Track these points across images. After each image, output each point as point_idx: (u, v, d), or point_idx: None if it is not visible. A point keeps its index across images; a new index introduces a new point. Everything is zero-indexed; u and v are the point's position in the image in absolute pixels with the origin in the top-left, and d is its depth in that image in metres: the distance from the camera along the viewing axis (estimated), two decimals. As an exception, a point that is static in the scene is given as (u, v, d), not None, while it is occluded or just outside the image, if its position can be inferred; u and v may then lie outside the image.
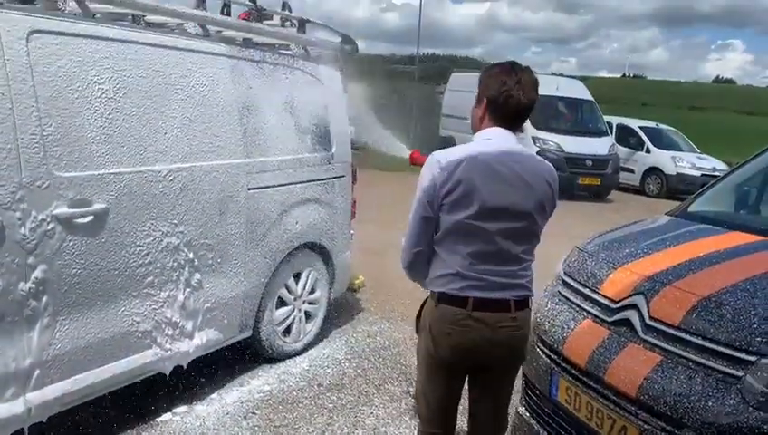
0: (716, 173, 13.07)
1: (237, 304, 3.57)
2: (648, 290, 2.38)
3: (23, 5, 2.57)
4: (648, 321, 2.29)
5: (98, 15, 2.92)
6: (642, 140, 15.62)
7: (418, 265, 2.21)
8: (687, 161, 14.98)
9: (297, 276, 4.11)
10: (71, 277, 2.64)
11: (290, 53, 4.07)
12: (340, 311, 4.96)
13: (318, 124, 4.15)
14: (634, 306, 2.37)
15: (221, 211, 3.36)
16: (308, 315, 4.25)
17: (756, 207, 3.43)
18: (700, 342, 2.11)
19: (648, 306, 2.32)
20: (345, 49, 4.41)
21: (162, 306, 3.08)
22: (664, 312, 2.27)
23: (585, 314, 2.58)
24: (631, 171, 15.35)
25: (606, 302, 2.51)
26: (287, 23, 4.12)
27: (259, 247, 3.66)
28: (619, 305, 2.44)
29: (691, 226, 3.04)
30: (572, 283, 2.77)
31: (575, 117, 14.37)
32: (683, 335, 2.16)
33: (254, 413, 3.39)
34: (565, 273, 2.87)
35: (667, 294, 2.32)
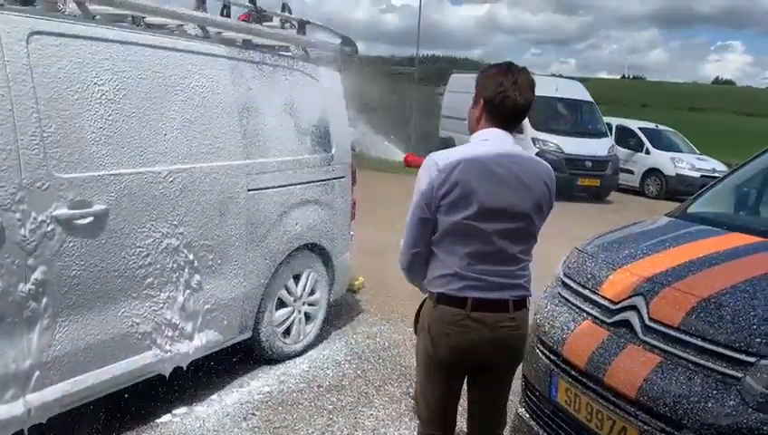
0: (716, 174, 13.08)
1: (237, 305, 3.57)
2: (647, 291, 2.39)
3: (23, 7, 2.57)
4: (647, 322, 2.29)
5: (98, 17, 2.92)
6: (642, 141, 15.62)
7: (417, 266, 2.22)
8: (687, 162, 14.98)
9: (297, 278, 4.11)
10: (70, 279, 2.64)
11: (290, 54, 4.07)
12: (340, 312, 4.96)
13: (318, 125, 4.15)
14: (633, 307, 2.37)
15: (221, 212, 3.36)
16: (308, 317, 4.25)
17: (756, 208, 3.43)
18: (700, 343, 2.11)
19: (647, 307, 2.33)
20: (345, 50, 4.42)
21: (162, 307, 3.08)
22: (663, 313, 2.27)
23: (585, 315, 2.58)
24: (631, 172, 15.35)
25: (605, 303, 2.51)
26: (287, 24, 4.12)
27: (259, 249, 3.66)
28: (618, 307, 2.44)
29: (691, 227, 3.05)
30: (572, 284, 2.77)
31: (575, 118, 14.37)
32: (682, 336, 2.16)
33: (253, 414, 3.39)
34: (565, 274, 2.87)
35: (667, 295, 2.32)
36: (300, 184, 3.97)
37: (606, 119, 15.04)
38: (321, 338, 4.42)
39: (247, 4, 3.90)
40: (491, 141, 2.12)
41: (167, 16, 3.22)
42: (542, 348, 2.68)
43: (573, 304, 2.68)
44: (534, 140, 12.71)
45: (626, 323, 2.37)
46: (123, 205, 2.83)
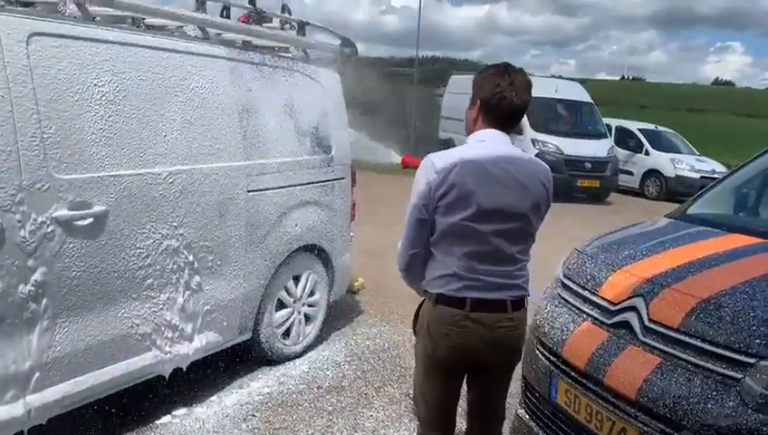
0: (715, 175, 13.08)
1: (237, 306, 3.57)
2: (647, 292, 2.39)
3: (23, 8, 2.58)
4: (647, 323, 2.30)
5: (98, 18, 2.92)
6: (641, 142, 15.63)
7: (415, 267, 2.22)
8: (686, 164, 14.99)
9: (297, 279, 4.11)
10: (70, 280, 2.64)
11: (289, 55, 4.07)
12: (340, 313, 4.96)
13: (317, 126, 4.15)
14: (633, 308, 2.38)
15: (221, 213, 3.36)
16: (307, 318, 4.25)
17: (755, 209, 3.43)
18: (699, 344, 2.11)
19: (647, 308, 2.33)
20: (345, 51, 4.42)
21: (162, 309, 3.08)
22: (663, 314, 2.27)
23: (584, 316, 2.58)
24: (630, 174, 15.36)
25: (605, 304, 2.52)
26: (287, 25, 4.13)
27: (259, 250, 3.66)
28: (618, 308, 2.44)
29: (690, 228, 3.05)
30: (572, 285, 2.77)
31: (574, 119, 14.38)
32: (682, 337, 2.16)
33: (253, 416, 3.39)
34: (564, 275, 2.87)
35: (667, 296, 2.33)
36: (300, 185, 3.97)
37: (605, 120, 15.05)
38: (320, 339, 4.42)
39: (247, 5, 3.90)
40: (488, 142, 2.12)
41: (166, 18, 3.22)
42: (541, 349, 2.68)
43: (573, 306, 2.69)
44: (534, 142, 12.72)
45: (625, 325, 2.37)
46: (123, 206, 2.83)
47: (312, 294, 4.25)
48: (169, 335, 3.14)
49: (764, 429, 1.85)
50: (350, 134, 4.54)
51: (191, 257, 3.20)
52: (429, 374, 2.24)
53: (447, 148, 2.23)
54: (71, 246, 2.63)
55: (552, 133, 13.22)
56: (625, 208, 12.57)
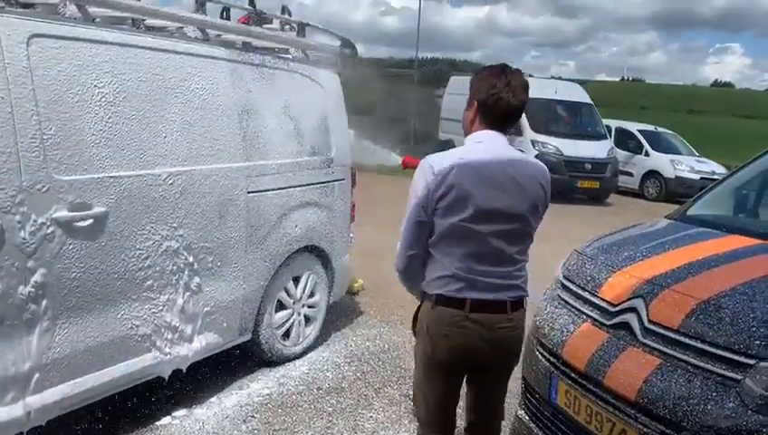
0: (715, 177, 13.09)
1: (237, 307, 3.57)
2: (647, 293, 2.39)
3: (23, 9, 2.58)
4: (647, 324, 2.30)
5: (98, 19, 2.92)
6: (641, 143, 15.63)
7: (413, 268, 2.23)
8: (686, 165, 15.00)
9: (296, 280, 4.11)
10: (70, 281, 2.64)
11: (289, 56, 4.08)
12: (340, 314, 4.96)
13: (317, 127, 4.15)
14: (633, 310, 2.38)
15: (220, 214, 3.36)
16: (307, 319, 4.25)
17: (755, 210, 3.43)
18: (699, 345, 2.11)
19: (647, 310, 2.33)
20: (344, 52, 4.42)
21: (161, 310, 3.08)
22: (663, 315, 2.27)
23: (584, 317, 2.59)
24: (630, 175, 15.36)
25: (605, 305, 2.52)
26: (286, 26, 4.13)
27: (258, 251, 3.66)
28: (618, 309, 2.44)
29: (690, 229, 3.05)
30: (571, 286, 2.77)
31: (574, 120, 14.38)
32: (682, 339, 2.16)
33: (253, 417, 3.39)
34: (564, 276, 2.87)
35: (666, 297, 2.33)
36: (299, 186, 3.97)
37: (605, 121, 15.05)
38: (320, 340, 4.41)
39: (247, 6, 3.90)
40: (485, 143, 2.13)
41: (166, 19, 3.22)
42: (541, 350, 2.68)
43: (573, 307, 2.69)
44: (534, 143, 12.71)
45: (625, 326, 2.37)
46: (123, 207, 2.83)
47: (311, 295, 4.25)
48: (169, 337, 3.14)
49: (764, 430, 1.85)
50: (349, 135, 4.55)
51: (191, 258, 3.20)
52: (429, 375, 2.24)
53: (447, 148, 2.23)
54: (70, 247, 2.63)
55: (551, 134, 13.21)
56: (625, 210, 12.58)
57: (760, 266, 2.44)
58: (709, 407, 1.97)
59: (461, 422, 2.42)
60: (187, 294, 3.21)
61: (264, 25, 3.96)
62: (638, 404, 2.13)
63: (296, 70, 4.01)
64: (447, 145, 12.62)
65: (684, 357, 2.13)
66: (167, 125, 3.05)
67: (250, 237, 3.58)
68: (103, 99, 2.75)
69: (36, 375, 2.56)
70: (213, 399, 3.55)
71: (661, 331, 2.24)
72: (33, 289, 2.50)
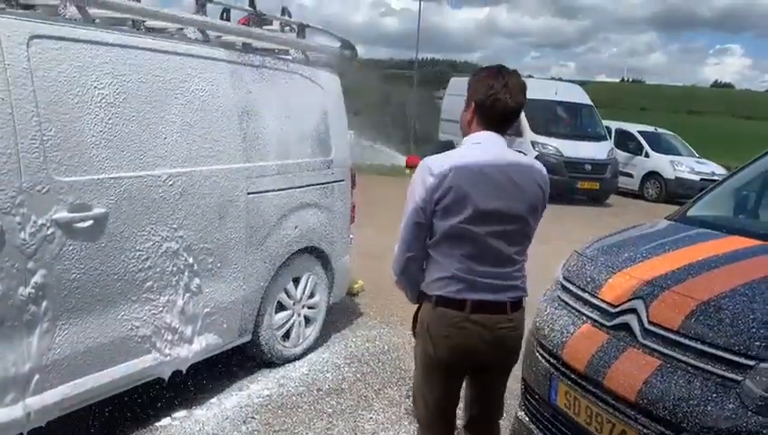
0: (715, 177, 13.08)
1: (237, 308, 3.57)
2: (647, 294, 2.39)
3: (23, 11, 2.58)
4: (647, 325, 2.30)
5: (98, 21, 2.92)
6: (641, 144, 15.64)
7: (411, 271, 2.23)
8: (686, 166, 15.01)
9: (296, 281, 4.11)
10: (70, 282, 2.64)
11: (289, 57, 4.08)
12: (340, 315, 4.96)
13: (317, 129, 4.15)
14: (633, 311, 2.38)
15: (220, 216, 3.36)
16: (307, 320, 4.25)
17: (755, 211, 3.43)
18: (699, 346, 2.11)
19: (647, 311, 2.33)
20: (344, 54, 4.42)
21: (161, 311, 3.08)
22: (663, 316, 2.27)
23: (584, 318, 2.59)
24: (630, 176, 15.37)
25: (605, 306, 2.52)
26: (287, 28, 4.13)
27: (258, 252, 3.66)
28: (618, 310, 2.44)
29: (690, 230, 3.05)
30: (572, 287, 2.77)
31: (574, 121, 14.40)
32: (682, 340, 2.16)
33: (253, 418, 3.39)
34: (564, 277, 2.87)
35: (666, 298, 2.33)
36: (299, 187, 3.97)
37: (605, 122, 15.07)
38: (320, 341, 4.41)
39: (247, 7, 3.90)
40: (483, 145, 2.13)
41: (167, 20, 3.22)
42: (541, 351, 2.68)
43: (573, 308, 2.69)
44: (534, 144, 12.71)
45: (625, 327, 2.37)
46: (123, 208, 2.83)
47: (311, 296, 4.25)
48: (169, 338, 3.14)
49: (764, 431, 1.85)
50: (350, 136, 4.55)
51: (191, 260, 3.20)
52: (429, 376, 2.24)
53: (447, 149, 2.23)
54: (70, 248, 2.63)
55: (551, 135, 13.22)
56: (625, 210, 12.58)
57: (760, 267, 2.45)
58: (709, 408, 1.97)
59: (460, 422, 2.42)
60: (187, 295, 3.21)
61: (264, 27, 3.96)
62: (638, 405, 2.13)
63: (296, 71, 4.01)
64: (448, 146, 12.65)
65: (684, 358, 2.13)
66: (167, 126, 3.05)
67: (250, 238, 3.58)
68: (103, 100, 2.75)
69: (36, 376, 2.56)
70: (213, 400, 3.55)
71: (661, 332, 2.24)
72: (33, 290, 2.50)
